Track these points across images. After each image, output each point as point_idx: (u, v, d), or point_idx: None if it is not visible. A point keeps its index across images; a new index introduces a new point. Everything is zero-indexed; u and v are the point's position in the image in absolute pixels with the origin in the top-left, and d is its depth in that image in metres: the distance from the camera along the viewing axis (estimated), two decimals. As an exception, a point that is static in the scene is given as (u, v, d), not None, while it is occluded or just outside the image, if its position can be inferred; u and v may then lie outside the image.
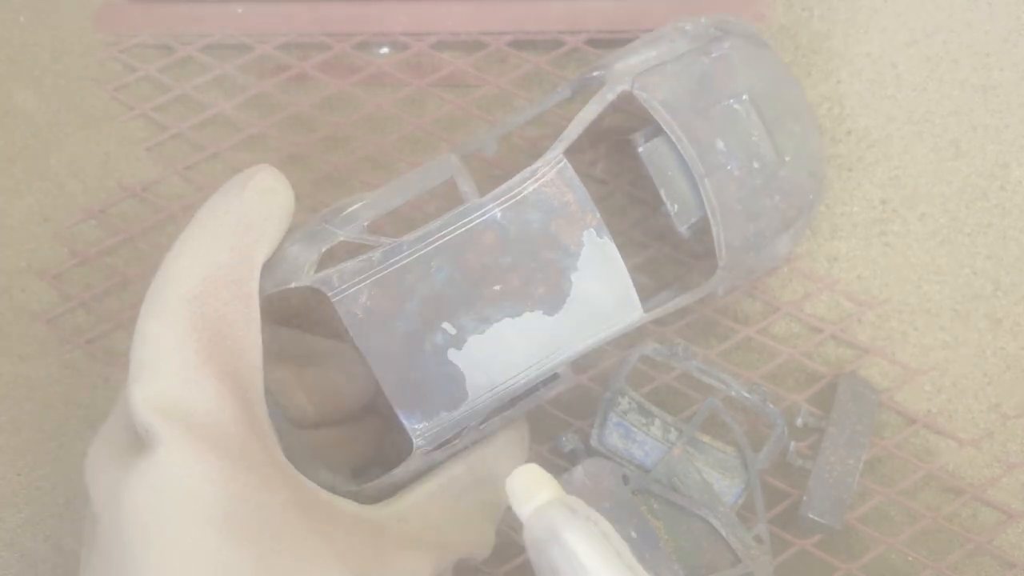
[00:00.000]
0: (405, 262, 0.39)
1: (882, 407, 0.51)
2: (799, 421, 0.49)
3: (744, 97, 0.43)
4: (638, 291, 0.41)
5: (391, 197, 0.41)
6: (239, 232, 0.38)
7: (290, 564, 0.34)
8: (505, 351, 0.40)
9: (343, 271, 0.39)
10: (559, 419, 0.50)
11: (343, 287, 0.39)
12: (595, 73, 0.44)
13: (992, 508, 0.50)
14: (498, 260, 0.39)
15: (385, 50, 0.55)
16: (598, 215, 0.40)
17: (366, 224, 0.40)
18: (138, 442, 0.36)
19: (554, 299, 0.40)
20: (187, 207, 0.53)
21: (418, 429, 0.40)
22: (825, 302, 0.52)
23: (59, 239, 0.54)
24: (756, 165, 0.43)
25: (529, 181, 0.40)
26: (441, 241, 0.39)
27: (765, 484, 0.49)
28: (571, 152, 0.41)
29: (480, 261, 0.39)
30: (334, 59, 0.55)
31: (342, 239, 0.39)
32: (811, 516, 0.47)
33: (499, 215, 0.39)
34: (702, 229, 0.44)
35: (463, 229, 0.39)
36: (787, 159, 0.44)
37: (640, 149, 0.43)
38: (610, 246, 0.40)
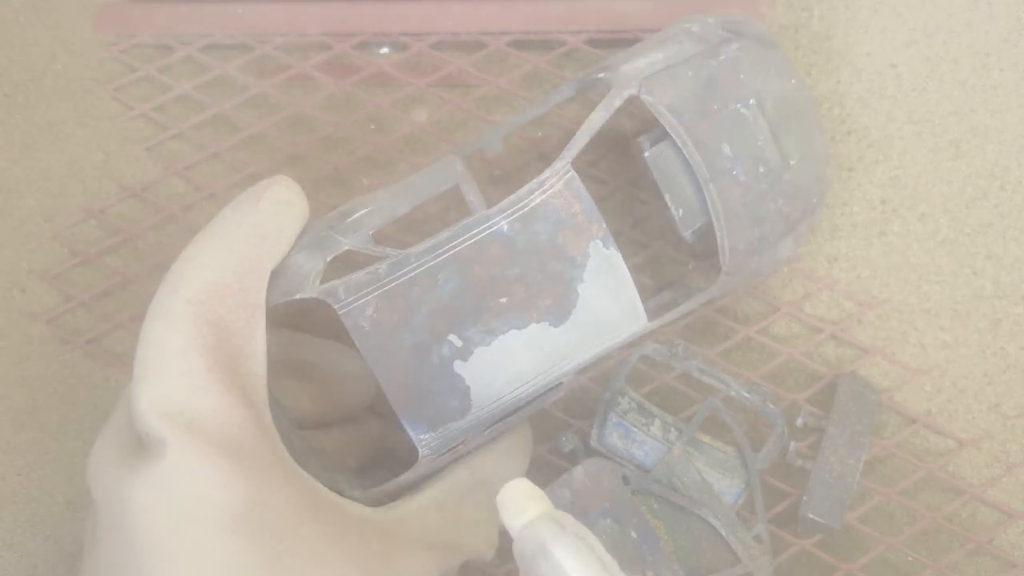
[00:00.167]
0: (412, 274, 0.39)
1: (882, 407, 0.51)
2: (799, 421, 0.49)
3: (751, 101, 0.43)
4: (640, 294, 0.41)
5: (396, 204, 0.40)
6: (252, 242, 0.38)
7: (301, 566, 0.34)
8: (511, 362, 0.40)
9: (349, 283, 0.38)
10: (559, 419, 0.50)
11: (349, 299, 0.38)
12: (600, 75, 0.43)
13: (992, 508, 0.50)
14: (505, 272, 0.39)
15: (385, 50, 0.55)
16: (604, 225, 0.40)
17: (371, 233, 0.39)
18: (141, 444, 0.36)
19: (560, 310, 0.40)
20: (187, 207, 0.53)
21: (423, 439, 0.40)
22: (825, 302, 0.52)
23: (59, 239, 0.54)
24: (762, 169, 0.43)
25: (536, 192, 0.39)
26: (448, 254, 0.39)
27: (765, 484, 0.49)
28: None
29: (487, 273, 0.39)
30: (334, 59, 0.55)
31: (347, 248, 0.39)
32: (811, 516, 0.47)
33: (506, 227, 0.39)
34: (704, 230, 0.44)
35: (470, 241, 0.39)
36: (792, 163, 0.44)
37: (646, 154, 0.43)
38: (616, 256, 0.40)
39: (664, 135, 0.43)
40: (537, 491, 0.31)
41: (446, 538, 0.40)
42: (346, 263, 0.39)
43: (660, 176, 0.43)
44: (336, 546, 0.36)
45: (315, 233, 0.40)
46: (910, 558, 0.50)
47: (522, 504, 0.31)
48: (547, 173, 0.40)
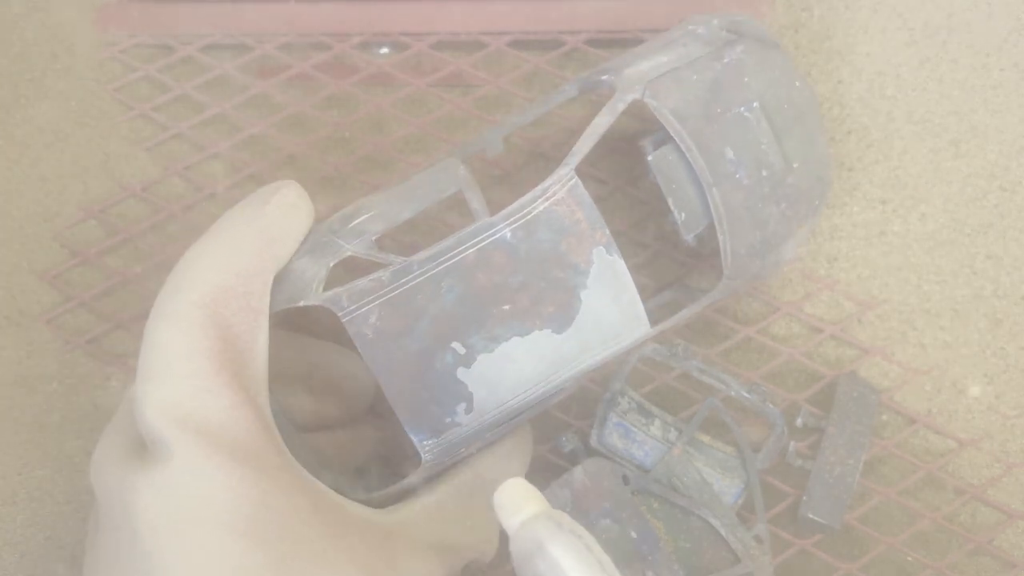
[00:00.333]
0: (415, 282, 0.38)
1: (882, 407, 0.51)
2: (799, 421, 0.49)
3: (755, 105, 0.43)
4: (640, 294, 0.41)
5: (399, 209, 0.40)
6: (258, 245, 0.38)
7: (305, 568, 0.34)
8: (513, 369, 0.40)
9: (352, 291, 0.38)
10: (559, 419, 0.50)
11: (352, 307, 0.38)
12: (604, 77, 0.43)
13: (992, 508, 0.50)
14: (508, 280, 0.39)
15: (385, 50, 0.55)
16: (607, 232, 0.40)
17: (374, 239, 0.39)
18: (145, 446, 0.36)
19: (563, 317, 0.40)
20: (187, 207, 0.53)
21: (426, 445, 0.40)
22: (825, 302, 0.52)
23: (59, 239, 0.54)
24: (764, 173, 0.43)
25: (540, 200, 0.39)
26: (451, 261, 0.39)
27: (765, 484, 0.49)
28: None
29: (490, 281, 0.39)
30: (334, 59, 0.55)
31: (350, 254, 0.39)
32: (811, 516, 0.47)
33: (509, 235, 0.39)
34: (706, 231, 0.44)
35: (473, 249, 0.39)
36: (795, 165, 0.44)
37: (649, 158, 0.43)
38: (619, 263, 0.40)
39: (667, 138, 0.42)
40: (534, 490, 0.31)
41: (449, 540, 0.40)
42: (348, 266, 0.39)
43: (663, 180, 0.43)
44: (340, 548, 0.36)
45: (317, 237, 0.40)
46: (910, 558, 0.50)
47: (519, 503, 0.31)
48: (551, 180, 0.39)
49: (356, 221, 0.40)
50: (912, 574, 0.50)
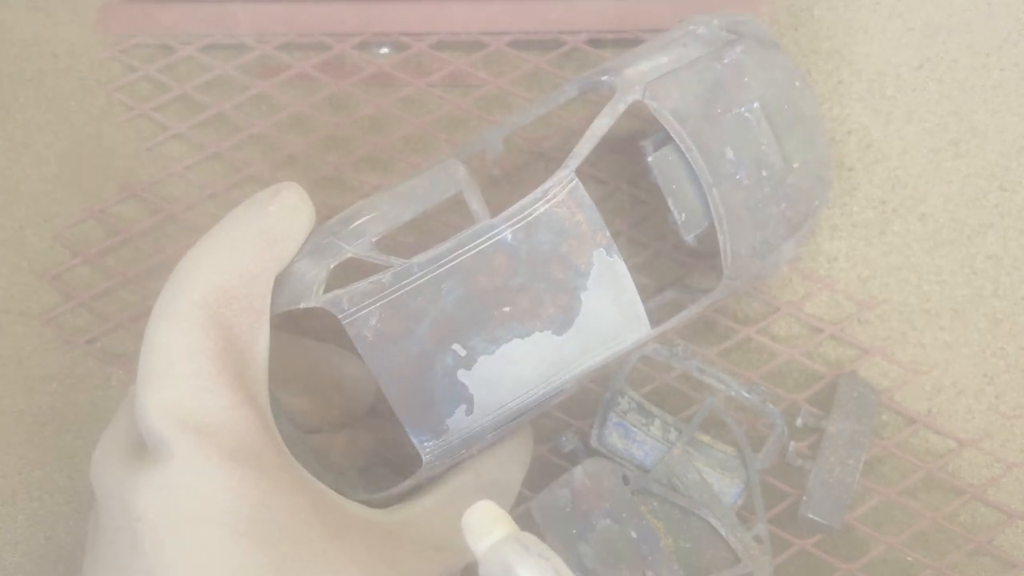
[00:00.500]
0: (415, 284, 0.39)
1: (882, 407, 0.51)
2: (799, 421, 0.49)
3: (755, 105, 0.43)
4: (640, 294, 0.41)
5: (399, 211, 0.40)
6: (260, 247, 0.38)
7: (306, 568, 0.34)
8: (514, 371, 0.40)
9: (353, 293, 0.38)
10: (559, 419, 0.50)
11: (353, 309, 0.38)
12: (604, 78, 0.43)
13: (992, 508, 0.50)
14: (508, 282, 0.39)
15: (385, 50, 0.55)
16: (608, 234, 0.40)
17: (374, 240, 0.39)
18: (145, 446, 0.36)
19: (563, 318, 0.40)
20: (187, 207, 0.53)
21: (427, 446, 0.40)
22: (825, 302, 0.52)
23: (59, 239, 0.54)
24: (764, 173, 0.43)
25: (540, 202, 0.39)
26: (452, 263, 0.39)
27: (765, 484, 0.49)
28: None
29: (491, 283, 0.39)
30: (334, 59, 0.55)
31: (350, 255, 0.39)
32: (811, 516, 0.47)
33: (510, 237, 0.39)
34: (705, 232, 0.44)
35: (474, 251, 0.39)
36: (795, 165, 0.44)
37: (649, 158, 0.43)
38: (620, 264, 0.40)
39: (667, 139, 0.42)
40: (503, 513, 0.31)
41: (450, 540, 0.40)
42: (348, 267, 0.39)
43: (663, 180, 0.43)
44: (341, 548, 0.36)
45: (318, 239, 0.40)
46: (910, 558, 0.50)
47: (487, 526, 0.31)
48: (551, 182, 0.39)
49: (356, 223, 0.40)
50: (912, 574, 0.50)
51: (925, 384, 0.52)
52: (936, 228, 0.52)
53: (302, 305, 0.38)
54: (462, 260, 0.39)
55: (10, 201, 0.54)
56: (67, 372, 0.53)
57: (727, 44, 0.43)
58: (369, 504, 0.40)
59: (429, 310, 0.39)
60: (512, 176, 0.53)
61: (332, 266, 0.39)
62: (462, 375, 0.39)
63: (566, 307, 0.40)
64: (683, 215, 0.43)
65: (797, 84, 0.45)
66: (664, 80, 0.42)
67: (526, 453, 0.44)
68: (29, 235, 0.54)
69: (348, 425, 0.47)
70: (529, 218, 0.39)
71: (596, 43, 0.54)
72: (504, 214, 0.39)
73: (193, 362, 0.35)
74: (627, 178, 0.53)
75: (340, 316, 0.38)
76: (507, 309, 0.39)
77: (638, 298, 0.40)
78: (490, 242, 0.39)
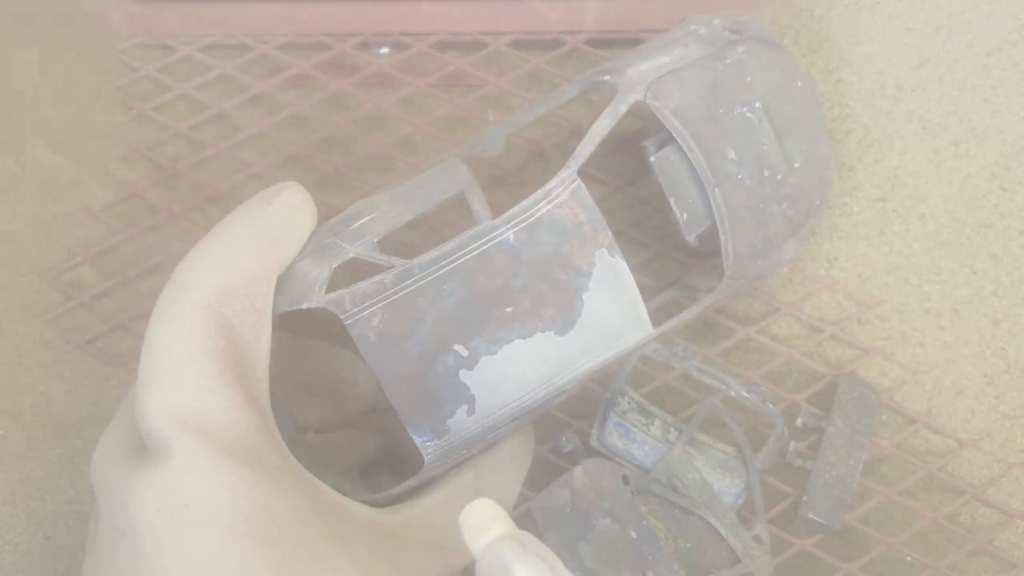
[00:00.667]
0: (417, 285, 0.38)
1: (882, 407, 0.51)
2: (799, 421, 0.49)
3: (757, 105, 0.43)
4: (641, 294, 0.41)
5: (401, 211, 0.40)
6: (262, 246, 0.38)
7: (308, 568, 0.34)
8: (516, 371, 0.40)
9: (355, 293, 0.38)
10: (559, 419, 0.50)
11: (355, 310, 0.38)
12: (606, 78, 0.43)
13: (992, 508, 0.50)
14: (510, 282, 0.39)
15: (385, 50, 0.55)
16: (610, 235, 0.40)
17: (376, 240, 0.39)
18: (145, 447, 0.36)
19: (565, 319, 0.40)
20: (187, 207, 0.53)
21: (429, 446, 0.40)
22: (825, 302, 0.52)
23: (59, 239, 0.54)
24: (766, 173, 0.43)
25: (543, 203, 0.39)
26: (454, 264, 0.39)
27: (765, 484, 0.49)
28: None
29: (493, 284, 0.39)
30: (334, 59, 0.55)
31: (352, 256, 0.39)
32: (811, 516, 0.47)
33: (512, 237, 0.39)
34: (706, 231, 0.44)
35: (476, 252, 0.39)
36: (796, 165, 0.44)
37: (651, 159, 0.43)
38: (621, 265, 0.40)
39: (669, 139, 0.42)
40: (501, 512, 0.31)
41: (451, 540, 0.40)
42: (350, 267, 0.39)
43: (665, 180, 0.43)
44: (341, 548, 0.36)
45: (320, 239, 0.40)
46: (910, 558, 0.50)
47: (485, 524, 0.31)
48: (553, 182, 0.39)
49: (358, 223, 0.40)
50: (912, 574, 0.50)
51: (925, 384, 0.52)
52: (936, 228, 0.52)
53: (304, 305, 0.38)
54: (464, 261, 0.39)
55: (10, 201, 0.54)
56: (67, 372, 0.53)
57: (729, 44, 0.43)
58: (371, 504, 0.40)
59: (431, 311, 0.39)
60: (512, 176, 0.53)
61: (334, 266, 0.39)
62: (464, 375, 0.39)
63: (568, 308, 0.40)
64: (685, 215, 0.43)
65: (799, 84, 0.45)
66: (666, 80, 0.42)
67: (527, 453, 0.44)
68: (29, 235, 0.54)
69: (349, 424, 0.47)
70: (531, 219, 0.39)
71: (596, 43, 0.54)
72: (506, 215, 0.39)
73: (195, 363, 0.35)
74: (627, 178, 0.53)
75: (342, 316, 0.38)
76: (509, 310, 0.39)
77: (640, 299, 0.40)
78: (492, 243, 0.39)
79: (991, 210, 0.52)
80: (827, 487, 0.47)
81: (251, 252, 0.37)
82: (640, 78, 0.42)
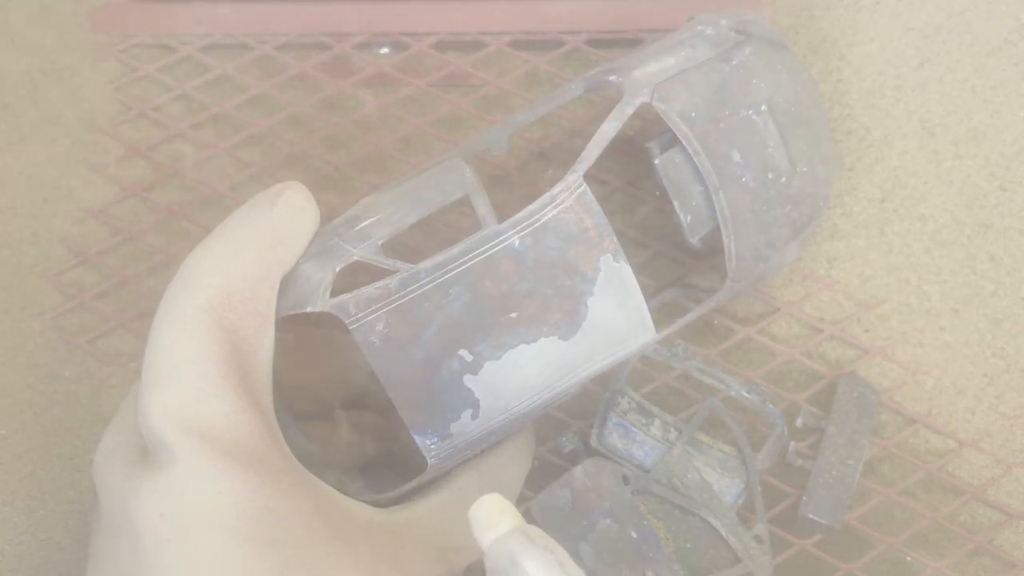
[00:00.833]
0: (422, 290, 0.38)
1: (882, 407, 0.51)
2: (799, 421, 0.49)
3: (763, 107, 0.43)
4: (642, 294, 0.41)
5: (404, 213, 0.40)
6: (265, 248, 0.37)
7: (312, 572, 0.34)
8: (520, 376, 0.40)
9: (359, 298, 0.38)
10: (559, 419, 0.50)
11: (360, 314, 0.38)
12: (611, 78, 0.43)
13: (992, 508, 0.50)
14: (515, 288, 0.39)
15: (385, 50, 0.55)
16: (615, 240, 0.40)
17: (380, 243, 0.39)
18: (148, 450, 0.36)
19: (569, 324, 0.40)
20: (187, 207, 0.53)
21: (432, 449, 0.40)
22: (825, 302, 0.52)
23: (59, 239, 0.54)
24: (770, 176, 0.43)
25: (548, 207, 0.39)
26: (459, 269, 0.39)
27: (765, 484, 0.49)
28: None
29: (498, 289, 0.39)
30: (334, 59, 0.55)
31: (356, 259, 0.39)
32: (811, 516, 0.47)
33: (517, 242, 0.39)
34: (709, 232, 0.44)
35: (481, 257, 0.39)
36: (801, 168, 0.44)
37: (656, 161, 0.43)
38: (626, 269, 0.40)
39: (673, 141, 0.42)
40: (509, 506, 0.31)
41: (453, 540, 0.40)
42: (353, 268, 0.39)
43: (669, 183, 0.42)
44: (344, 551, 0.36)
45: (323, 240, 0.40)
46: (910, 558, 0.50)
47: (494, 519, 0.31)
48: (559, 187, 0.39)
49: (362, 224, 0.40)
50: (912, 574, 0.50)
51: (925, 384, 0.52)
52: (936, 228, 0.52)
53: (308, 309, 0.38)
54: (469, 266, 0.39)
55: (10, 201, 0.54)
56: (67, 372, 0.53)
57: (735, 45, 0.43)
58: (373, 504, 0.40)
59: (436, 315, 0.39)
60: (513, 176, 0.53)
61: (338, 269, 0.39)
62: (468, 380, 0.39)
63: (572, 313, 0.40)
64: (689, 218, 0.43)
65: (804, 85, 0.45)
66: (672, 82, 0.42)
67: (528, 453, 0.44)
68: (29, 235, 0.54)
69: (353, 425, 0.47)
70: (537, 224, 0.39)
71: (596, 43, 0.54)
72: (512, 220, 0.39)
73: (197, 366, 0.35)
74: (627, 178, 0.53)
75: (347, 321, 0.38)
76: (514, 315, 0.39)
77: (644, 304, 0.40)
78: (497, 248, 0.39)
79: (991, 210, 0.52)
80: (827, 487, 0.47)
81: (253, 254, 0.37)
82: (647, 80, 0.42)
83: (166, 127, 0.54)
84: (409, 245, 0.52)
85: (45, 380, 0.53)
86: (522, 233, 0.39)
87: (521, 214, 0.39)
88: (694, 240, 0.43)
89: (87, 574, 0.38)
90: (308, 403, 0.45)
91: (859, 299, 0.52)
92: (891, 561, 0.50)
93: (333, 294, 0.38)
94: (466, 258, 0.39)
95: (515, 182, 0.53)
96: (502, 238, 0.39)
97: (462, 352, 0.39)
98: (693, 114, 0.41)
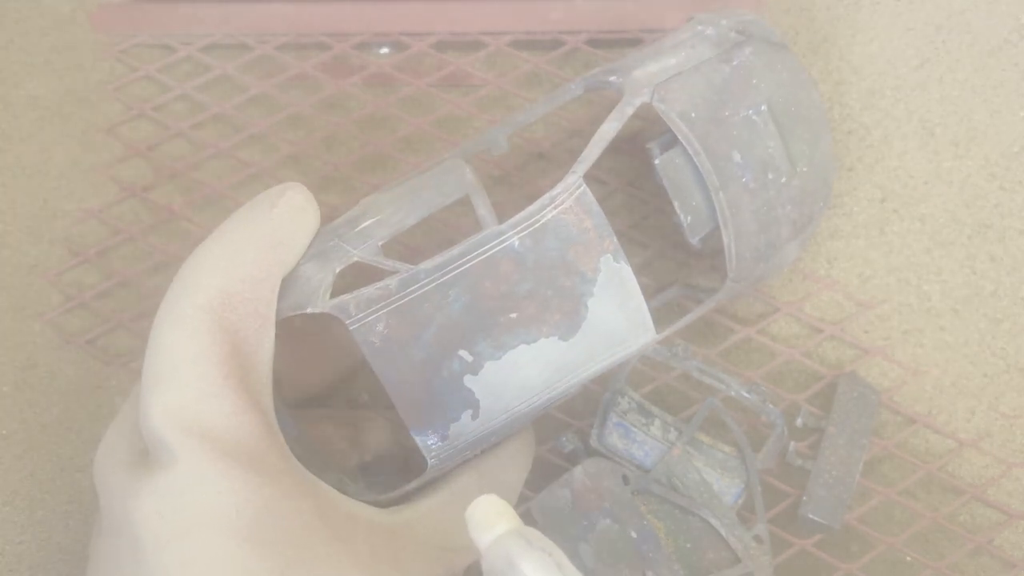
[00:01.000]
0: (422, 291, 0.38)
1: (882, 407, 0.51)
2: (799, 421, 0.49)
3: (763, 107, 0.43)
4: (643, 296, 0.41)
5: (405, 214, 0.40)
6: (265, 248, 0.37)
7: (312, 571, 0.34)
8: (520, 376, 0.40)
9: (359, 299, 0.38)
10: (559, 419, 0.50)
11: (360, 315, 0.38)
12: (611, 78, 0.43)
13: (992, 508, 0.50)
14: (515, 288, 0.39)
15: (385, 50, 0.55)
16: (615, 240, 0.40)
17: (380, 244, 0.39)
18: (148, 451, 0.36)
19: (569, 324, 0.40)
20: (187, 207, 0.53)
21: (433, 449, 0.40)
22: (825, 302, 0.52)
23: (59, 239, 0.54)
24: (771, 176, 0.43)
25: (548, 208, 0.39)
26: (459, 270, 0.39)
27: (765, 484, 0.49)
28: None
29: (497, 289, 0.39)
30: (334, 59, 0.55)
31: (356, 260, 0.39)
32: (811, 516, 0.47)
33: (517, 243, 0.39)
34: (708, 232, 0.44)
35: (481, 257, 0.39)
36: (801, 168, 0.44)
37: (656, 161, 0.43)
38: (626, 270, 0.40)
39: (673, 141, 0.42)
40: (507, 507, 0.31)
41: (453, 541, 0.40)
42: (353, 269, 0.39)
43: (669, 183, 0.42)
44: (344, 551, 0.36)
45: (323, 241, 0.40)
46: (909, 558, 0.50)
47: (491, 520, 0.31)
48: (559, 188, 0.39)
49: (362, 225, 0.40)
50: (912, 574, 0.50)
51: (925, 384, 0.52)
52: (936, 228, 0.52)
53: (309, 310, 0.38)
54: (469, 266, 0.39)
55: (10, 201, 0.54)
56: (68, 371, 0.53)
57: (736, 46, 0.43)
58: (373, 505, 0.40)
59: (436, 316, 0.39)
60: (512, 176, 0.53)
61: (338, 270, 0.39)
62: (469, 381, 0.39)
63: (573, 313, 0.40)
64: (689, 218, 0.43)
65: (804, 85, 0.44)
66: (672, 82, 0.42)
67: (528, 454, 0.45)
68: (30, 235, 0.54)
69: (353, 424, 0.47)
70: (537, 224, 0.39)
71: (596, 43, 0.54)
72: (511, 220, 0.39)
73: (198, 366, 0.35)
74: (627, 178, 0.53)
75: (347, 322, 0.38)
76: (514, 315, 0.39)
77: (644, 304, 0.40)
78: (497, 248, 0.39)
79: (991, 210, 0.52)
80: (827, 487, 0.47)
81: (253, 255, 0.37)
82: (647, 80, 0.42)
83: (166, 127, 0.54)
84: (409, 244, 0.52)
85: (45, 380, 0.53)
86: (522, 234, 0.39)
87: (521, 215, 0.39)
88: (694, 240, 0.43)
89: (87, 574, 0.38)
90: (307, 395, 0.45)
91: (859, 299, 0.52)
92: (891, 561, 0.50)
93: (333, 295, 0.38)
94: (466, 259, 0.39)
95: (515, 182, 0.53)
96: (502, 239, 0.39)
97: (462, 352, 0.39)
98: (693, 114, 0.41)
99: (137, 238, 0.53)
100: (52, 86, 0.55)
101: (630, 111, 0.41)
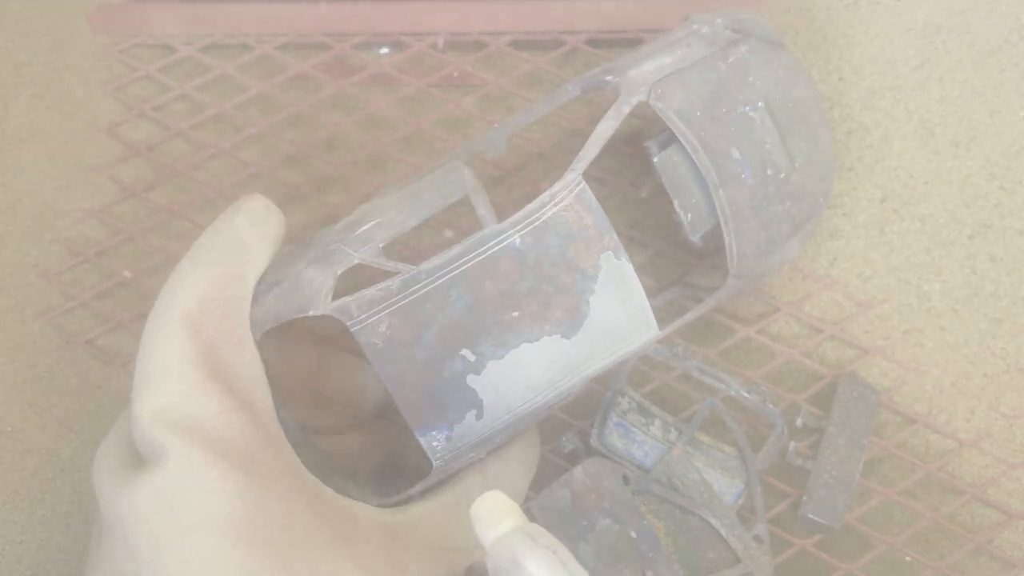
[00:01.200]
0: (424, 291, 0.39)
1: (882, 407, 0.51)
2: (799, 421, 0.49)
3: (760, 104, 0.43)
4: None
5: (405, 216, 0.40)
6: (231, 253, 0.39)
7: (311, 570, 0.35)
8: (523, 375, 0.40)
9: (361, 300, 0.38)
10: (560, 419, 0.50)
11: (362, 317, 0.38)
12: (608, 78, 0.43)
13: (992, 508, 0.50)
14: (516, 286, 0.39)
15: (385, 50, 0.55)
16: (615, 237, 0.40)
17: (381, 246, 0.39)
18: (140, 454, 0.37)
19: (571, 322, 0.40)
20: (187, 207, 0.53)
21: (437, 450, 0.40)
22: (825, 302, 0.52)
23: (59, 239, 0.54)
24: (769, 172, 0.43)
25: (548, 206, 0.39)
26: (460, 269, 0.39)
27: (765, 484, 0.49)
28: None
29: (499, 288, 0.39)
30: (334, 59, 0.55)
31: (358, 262, 0.39)
32: (811, 516, 0.47)
33: (518, 241, 0.39)
34: (709, 230, 0.44)
35: (482, 256, 0.39)
36: (799, 164, 0.44)
37: (655, 159, 0.43)
38: (627, 267, 0.40)
39: (672, 139, 0.42)
40: (512, 504, 0.31)
41: (455, 541, 0.40)
42: (355, 271, 0.40)
43: (668, 181, 0.43)
44: (343, 550, 0.36)
45: (325, 245, 0.40)
46: (909, 558, 0.50)
47: (497, 517, 0.31)
48: (559, 186, 0.39)
49: (363, 228, 0.40)
50: (912, 574, 0.50)
51: (925, 384, 0.52)
52: (936, 228, 0.52)
53: (311, 312, 0.38)
54: (470, 266, 0.39)
55: (11, 201, 0.54)
56: (68, 371, 0.53)
57: (731, 43, 0.43)
58: (379, 507, 0.40)
59: (438, 316, 0.39)
60: (511, 177, 0.53)
61: (339, 272, 0.39)
62: (471, 380, 0.39)
63: (574, 311, 0.40)
64: (689, 216, 0.43)
65: (801, 82, 0.45)
66: (669, 81, 0.42)
67: (533, 457, 0.45)
68: (30, 235, 0.54)
69: (357, 428, 0.47)
70: (537, 222, 0.39)
71: (596, 43, 0.54)
72: (511, 219, 0.39)
73: (182, 368, 0.36)
74: (627, 178, 0.53)
75: (349, 323, 0.38)
76: (515, 314, 0.39)
77: (646, 301, 0.40)
78: (498, 247, 0.39)
79: (991, 210, 0.52)
80: (827, 487, 0.47)
81: (223, 261, 0.39)
82: (643, 79, 0.42)
83: (166, 127, 0.54)
84: (410, 244, 0.52)
85: (45, 380, 0.53)
86: (522, 232, 0.39)
87: (521, 213, 0.39)
88: (695, 238, 0.43)
89: (84, 574, 0.38)
90: (320, 421, 0.46)
91: (859, 299, 0.52)
92: (891, 561, 0.50)
93: (335, 297, 0.39)
94: (467, 258, 0.39)
95: (515, 182, 0.53)
96: (502, 237, 0.39)
97: (465, 352, 0.39)
98: (691, 112, 0.41)
99: (137, 238, 0.53)
100: (52, 86, 0.55)
101: (627, 109, 0.41)
